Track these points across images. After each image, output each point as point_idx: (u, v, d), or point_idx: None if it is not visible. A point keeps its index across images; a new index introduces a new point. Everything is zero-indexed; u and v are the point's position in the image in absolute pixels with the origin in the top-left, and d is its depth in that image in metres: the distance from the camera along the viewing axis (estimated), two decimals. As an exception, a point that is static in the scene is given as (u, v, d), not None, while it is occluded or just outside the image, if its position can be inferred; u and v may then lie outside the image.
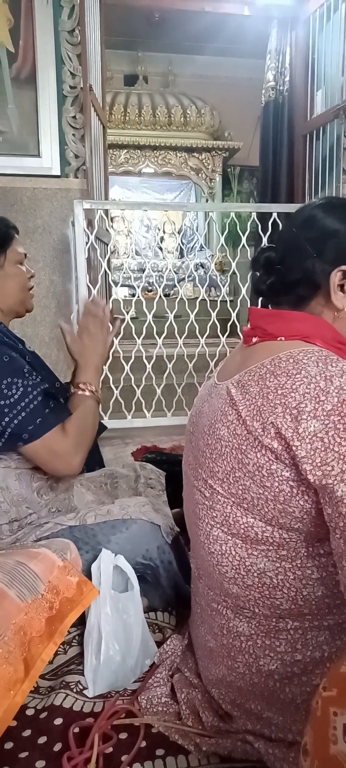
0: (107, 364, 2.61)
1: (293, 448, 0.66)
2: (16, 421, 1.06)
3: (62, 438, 1.10)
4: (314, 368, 0.68)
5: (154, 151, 6.21)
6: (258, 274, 0.86)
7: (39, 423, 1.08)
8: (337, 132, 3.27)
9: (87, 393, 1.20)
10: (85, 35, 2.63)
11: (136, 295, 2.76)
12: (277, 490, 0.69)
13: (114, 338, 2.61)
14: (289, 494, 0.69)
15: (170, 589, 1.14)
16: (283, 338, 0.77)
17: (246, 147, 6.23)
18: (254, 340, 0.81)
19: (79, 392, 1.20)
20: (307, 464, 0.65)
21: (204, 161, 6.39)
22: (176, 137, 6.19)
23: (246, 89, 5.57)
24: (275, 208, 2.71)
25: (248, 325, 0.85)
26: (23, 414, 1.07)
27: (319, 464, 0.64)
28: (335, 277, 0.78)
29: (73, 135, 2.71)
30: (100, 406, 2.59)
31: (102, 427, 1.61)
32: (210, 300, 2.82)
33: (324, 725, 0.49)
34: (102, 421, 2.64)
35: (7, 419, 1.06)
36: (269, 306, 0.88)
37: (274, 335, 0.78)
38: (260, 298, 2.49)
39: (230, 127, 6.40)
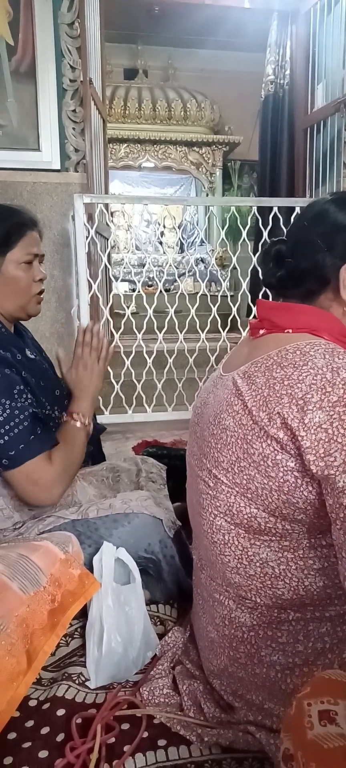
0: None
1: (299, 438, 0.66)
2: (1, 441, 1.02)
3: (46, 467, 1.06)
4: (320, 360, 0.69)
5: (155, 146, 6.19)
6: (269, 266, 0.85)
7: (21, 449, 1.04)
8: (338, 126, 3.26)
9: (78, 424, 1.17)
10: (85, 28, 2.62)
11: (137, 290, 2.76)
12: (281, 480, 0.70)
13: (114, 333, 2.63)
14: (293, 485, 0.69)
15: (172, 583, 1.15)
16: (290, 330, 0.78)
17: (246, 141, 6.21)
18: (262, 331, 0.82)
19: (72, 422, 1.17)
20: (311, 455, 0.66)
21: (204, 155, 6.37)
22: (176, 131, 6.17)
23: (246, 83, 5.54)
24: (275, 203, 2.70)
25: (252, 317, 0.85)
26: (6, 438, 1.03)
27: (322, 455, 0.65)
28: (345, 272, 0.78)
29: (73, 129, 2.70)
30: (101, 401, 2.61)
31: (101, 428, 1.60)
32: (210, 295, 2.81)
33: (300, 718, 0.52)
34: (103, 415, 2.64)
35: (6, 437, 1.02)
36: (273, 298, 0.88)
37: (281, 327, 0.79)
38: (261, 292, 2.50)
39: (231, 121, 6.38)
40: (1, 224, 1.14)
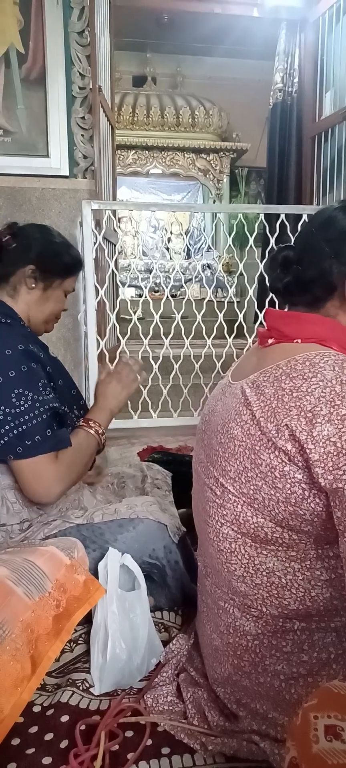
0: (114, 364, 2.61)
1: (307, 451, 0.66)
2: (15, 432, 1.05)
3: (51, 464, 1.08)
4: (330, 372, 0.68)
5: (162, 152, 6.22)
6: (276, 272, 0.85)
7: (37, 441, 1.06)
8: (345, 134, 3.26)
9: (92, 432, 1.20)
10: (95, 36, 2.64)
11: (144, 296, 2.77)
12: (289, 491, 0.69)
13: (121, 338, 2.63)
14: (300, 496, 0.69)
15: (177, 589, 1.14)
16: (299, 340, 0.77)
17: (254, 148, 6.22)
18: (270, 341, 0.82)
19: (86, 427, 1.20)
20: (319, 467, 0.65)
21: (212, 162, 6.39)
22: (183, 138, 6.20)
23: (254, 91, 5.56)
24: (283, 210, 2.70)
25: (259, 324, 0.86)
26: (24, 427, 1.06)
27: (331, 468, 0.65)
28: None
29: (82, 135, 2.72)
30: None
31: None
32: (217, 301, 2.81)
33: (305, 730, 0.51)
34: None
35: (7, 427, 1.05)
36: (279, 305, 0.88)
37: (290, 337, 0.79)
38: (268, 298, 2.49)
39: (238, 128, 6.39)
40: (69, 255, 1.28)
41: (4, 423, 1.05)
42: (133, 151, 6.15)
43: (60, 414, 1.15)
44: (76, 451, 1.14)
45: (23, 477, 1.09)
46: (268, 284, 0.89)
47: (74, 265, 1.29)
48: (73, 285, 1.31)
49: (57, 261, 1.25)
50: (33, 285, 1.21)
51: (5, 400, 1.06)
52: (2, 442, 1.06)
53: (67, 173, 2.72)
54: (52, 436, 1.09)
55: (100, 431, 1.22)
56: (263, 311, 0.88)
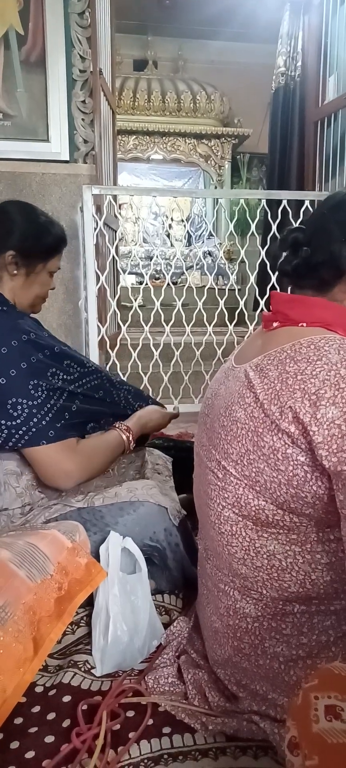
0: (115, 351, 2.61)
1: (311, 433, 0.66)
2: (42, 423, 1.08)
3: (69, 454, 1.12)
4: (335, 356, 0.68)
5: (163, 138, 6.17)
6: (286, 253, 0.85)
7: (58, 428, 1.10)
8: (349, 119, 3.22)
9: (124, 437, 1.27)
10: (96, 18, 2.60)
11: (144, 283, 2.76)
12: (291, 474, 0.70)
13: (121, 325, 2.63)
14: (303, 479, 0.69)
15: (177, 572, 1.15)
16: (304, 324, 0.77)
17: (256, 134, 6.16)
18: (275, 324, 0.81)
19: (119, 431, 1.27)
20: (323, 450, 0.66)
21: (213, 148, 6.33)
22: (185, 123, 6.14)
23: (257, 75, 5.49)
24: (285, 196, 2.68)
25: (260, 310, 0.85)
26: (47, 418, 1.09)
27: (335, 450, 0.65)
28: None
29: (83, 120, 2.69)
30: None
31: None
32: (218, 288, 2.80)
33: (305, 710, 0.52)
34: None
35: (35, 419, 1.07)
36: (287, 289, 0.88)
37: (295, 321, 0.78)
38: (269, 285, 2.47)
39: (240, 113, 6.33)
40: (51, 235, 1.23)
41: (30, 417, 1.07)
42: (134, 137, 6.10)
43: (74, 393, 1.18)
44: (101, 445, 1.19)
45: (41, 464, 1.12)
46: (272, 270, 0.89)
47: (57, 244, 1.25)
48: (58, 264, 1.28)
49: (38, 244, 1.21)
50: (14, 272, 1.18)
51: (24, 393, 1.07)
52: (28, 436, 1.08)
53: (67, 158, 2.70)
54: (69, 422, 1.12)
55: (130, 437, 1.28)
56: (268, 294, 0.88)
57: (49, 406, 1.09)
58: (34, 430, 1.07)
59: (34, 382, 1.08)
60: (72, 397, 1.19)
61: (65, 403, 1.14)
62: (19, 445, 1.09)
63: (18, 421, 1.07)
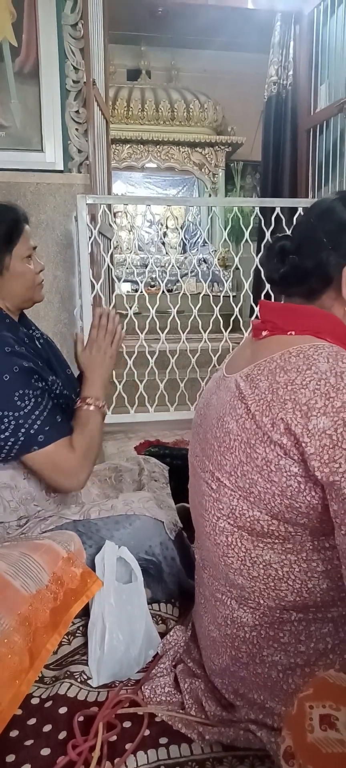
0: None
1: (303, 444, 0.66)
2: (31, 431, 1.06)
3: (69, 454, 1.09)
4: (324, 364, 0.68)
5: (157, 146, 6.20)
6: (273, 261, 0.84)
7: (48, 431, 1.07)
8: (341, 126, 3.25)
9: (92, 408, 1.17)
10: (89, 29, 2.62)
11: (139, 291, 2.76)
12: (284, 485, 0.70)
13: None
14: (296, 490, 0.69)
15: (173, 584, 1.15)
16: (293, 332, 0.77)
17: (249, 142, 6.20)
18: (264, 333, 0.81)
19: (85, 407, 1.17)
20: (315, 461, 0.66)
21: (207, 156, 6.37)
22: (178, 132, 6.17)
23: (250, 84, 5.54)
24: (278, 203, 2.70)
25: (254, 317, 0.85)
26: (37, 424, 1.06)
27: (327, 461, 0.65)
28: None
29: (76, 130, 2.70)
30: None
31: None
32: (213, 295, 2.82)
33: (301, 719, 0.52)
34: (105, 416, 2.64)
35: (23, 429, 1.05)
36: (275, 297, 0.88)
37: (284, 329, 0.78)
38: (263, 291, 2.48)
39: (234, 122, 6.37)
40: (4, 221, 1.15)
41: (17, 428, 1.05)
42: (128, 146, 6.12)
43: (61, 395, 1.16)
44: (84, 432, 1.14)
45: (45, 471, 1.10)
46: (263, 276, 0.89)
47: (12, 229, 1.16)
48: (28, 245, 1.18)
49: None
50: None
51: (10, 406, 1.05)
52: (18, 446, 1.06)
53: (61, 168, 2.70)
54: (62, 422, 1.10)
55: (99, 404, 1.18)
56: (258, 304, 0.88)
57: (37, 412, 1.07)
58: (22, 439, 1.06)
59: (20, 392, 1.06)
60: (59, 397, 1.17)
61: (55, 406, 1.12)
62: (11, 456, 1.08)
63: (6, 434, 1.04)
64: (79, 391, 1.22)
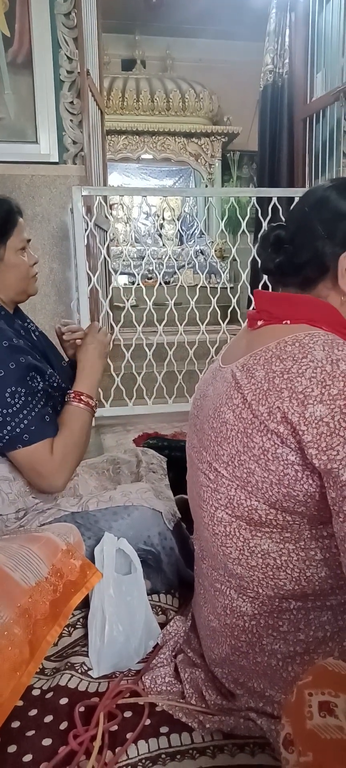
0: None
1: (300, 432, 0.66)
2: (17, 430, 1.06)
3: (47, 457, 1.08)
4: (320, 352, 0.68)
5: (153, 137, 6.15)
6: (268, 251, 0.84)
7: (33, 431, 1.07)
8: (337, 115, 3.24)
9: (82, 406, 1.17)
10: (82, 18, 2.60)
11: (136, 283, 2.76)
12: (282, 473, 0.70)
13: (114, 325, 2.62)
14: (294, 478, 0.69)
15: (172, 574, 1.15)
16: (288, 321, 0.77)
17: (245, 132, 6.17)
18: (259, 323, 0.81)
19: (74, 403, 1.17)
20: (312, 449, 0.66)
21: (203, 146, 6.33)
22: (174, 122, 6.12)
23: (246, 73, 5.50)
24: (275, 193, 2.69)
25: (252, 308, 0.85)
26: (23, 423, 1.06)
27: (324, 449, 0.65)
28: (345, 260, 0.77)
29: (71, 121, 2.68)
30: (101, 394, 2.61)
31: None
32: (210, 287, 2.81)
33: (300, 706, 0.52)
34: (103, 408, 2.64)
35: (9, 428, 1.06)
36: (272, 287, 0.88)
37: (279, 318, 0.78)
38: (261, 282, 2.48)
39: (230, 111, 6.33)
40: None
41: (3, 425, 1.06)
42: (124, 137, 6.07)
43: (52, 396, 1.15)
44: (68, 432, 1.13)
45: (24, 470, 1.11)
46: (259, 264, 0.88)
47: (7, 220, 1.18)
48: (22, 237, 1.20)
49: None
50: None
51: (0, 402, 1.05)
52: (2, 442, 1.07)
53: (56, 159, 2.69)
54: (50, 423, 1.10)
55: (91, 402, 1.19)
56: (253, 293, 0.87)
57: (25, 411, 1.07)
58: (7, 438, 1.06)
59: (11, 389, 1.06)
60: (51, 397, 1.17)
61: (45, 407, 1.11)
62: None
63: None
64: (73, 379, 1.23)
